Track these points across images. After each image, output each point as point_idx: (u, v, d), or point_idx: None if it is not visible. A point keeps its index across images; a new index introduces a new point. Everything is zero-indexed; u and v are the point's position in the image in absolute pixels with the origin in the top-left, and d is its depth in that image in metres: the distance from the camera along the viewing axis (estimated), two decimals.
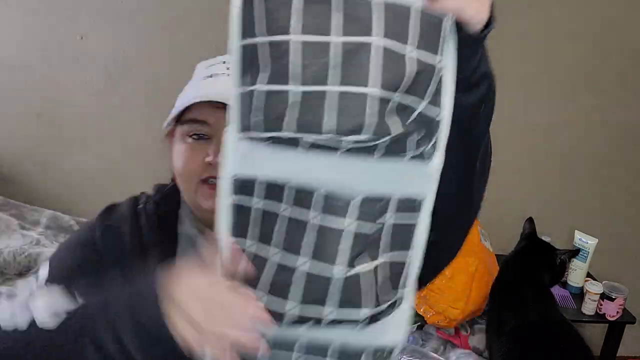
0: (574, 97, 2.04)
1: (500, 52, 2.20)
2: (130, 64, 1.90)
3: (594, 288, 1.75)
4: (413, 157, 0.54)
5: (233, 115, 0.53)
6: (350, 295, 0.54)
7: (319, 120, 0.49)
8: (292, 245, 0.54)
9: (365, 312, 0.54)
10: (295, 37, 0.48)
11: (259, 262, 0.55)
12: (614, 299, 1.72)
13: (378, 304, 0.55)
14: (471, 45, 0.56)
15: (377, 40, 0.48)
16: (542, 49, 1.97)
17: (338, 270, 0.53)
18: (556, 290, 1.86)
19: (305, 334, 0.57)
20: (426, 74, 0.51)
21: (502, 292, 1.51)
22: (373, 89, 0.48)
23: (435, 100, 0.53)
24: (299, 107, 0.49)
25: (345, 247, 0.53)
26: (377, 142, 0.51)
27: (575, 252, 1.69)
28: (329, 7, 0.48)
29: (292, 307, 0.54)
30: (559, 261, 1.58)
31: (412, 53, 0.50)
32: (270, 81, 0.50)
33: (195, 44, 1.88)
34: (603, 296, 1.74)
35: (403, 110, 0.51)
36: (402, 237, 0.57)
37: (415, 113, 0.52)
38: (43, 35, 1.85)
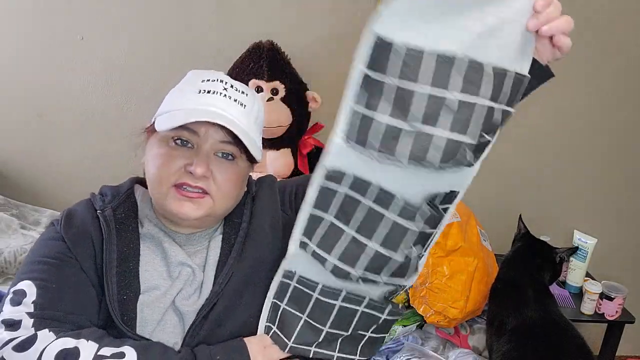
0: (573, 97, 2.04)
1: None
2: (130, 64, 1.90)
3: (593, 288, 1.75)
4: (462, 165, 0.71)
5: (343, 123, 0.67)
6: (400, 271, 0.76)
7: (424, 153, 0.65)
8: (367, 229, 0.72)
9: (405, 282, 0.79)
10: (422, 89, 0.62)
11: (334, 230, 0.74)
12: (613, 298, 1.73)
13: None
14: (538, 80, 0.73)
15: (481, 100, 0.64)
16: None
17: (398, 257, 0.74)
18: (555, 290, 1.87)
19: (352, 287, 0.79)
20: (504, 120, 0.69)
21: (503, 292, 1.51)
22: (469, 139, 0.65)
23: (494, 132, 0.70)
24: (412, 140, 0.65)
25: (408, 241, 0.73)
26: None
27: (574, 250, 1.70)
28: (452, 67, 0.62)
29: (357, 272, 0.75)
30: (558, 259, 1.59)
31: (500, 107, 0.66)
32: (392, 115, 0.64)
33: (196, 45, 1.89)
34: (602, 296, 1.75)
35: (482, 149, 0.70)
36: (436, 217, 0.74)
37: (489, 146, 0.71)
38: (43, 35, 1.85)
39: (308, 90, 1.78)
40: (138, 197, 0.89)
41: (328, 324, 0.82)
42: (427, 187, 0.71)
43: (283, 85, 1.69)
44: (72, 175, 1.98)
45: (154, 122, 0.82)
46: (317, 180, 0.72)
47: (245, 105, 0.81)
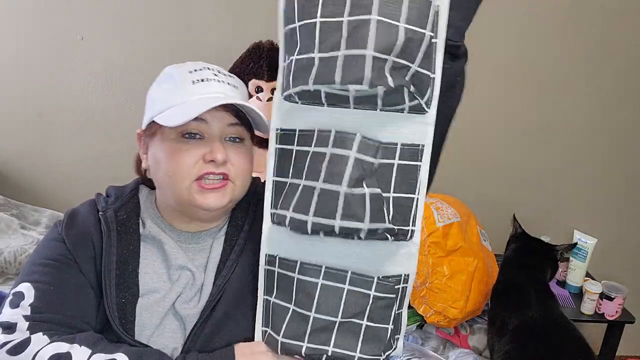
0: (573, 97, 2.04)
1: (502, 52, 2.21)
2: (131, 64, 1.90)
3: (593, 288, 1.75)
4: (411, 110, 0.70)
5: (278, 83, 0.74)
6: (354, 209, 0.69)
7: (332, 75, 0.66)
8: (312, 173, 0.71)
9: (366, 224, 0.70)
10: (319, 19, 0.67)
11: (292, 189, 0.74)
12: (613, 298, 1.73)
13: (378, 221, 0.70)
14: (465, 8, 0.70)
15: (374, 17, 0.64)
16: (543, 49, 1.97)
17: (344, 187, 0.69)
18: (555, 290, 1.87)
19: (324, 254, 0.75)
20: (416, 41, 0.66)
21: (505, 293, 1.51)
22: (369, 51, 0.64)
23: (428, 63, 0.69)
24: (319, 67, 0.67)
25: (349, 169, 0.69)
26: (375, 92, 0.66)
27: (573, 245, 1.70)
28: (343, 1, 0.66)
29: (311, 219, 0.71)
30: (559, 256, 1.59)
31: (402, 25, 0.65)
32: (301, 52, 0.69)
33: (196, 45, 1.89)
34: (602, 296, 1.75)
35: (398, 70, 0.66)
36: (408, 177, 0.72)
37: (411, 72, 0.67)
38: (43, 35, 1.85)
39: None
40: (142, 197, 0.89)
41: (313, 308, 0.75)
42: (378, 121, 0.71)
43: None
44: (72, 175, 1.98)
45: (150, 124, 0.82)
46: (271, 146, 0.75)
47: (237, 87, 0.83)
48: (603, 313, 1.75)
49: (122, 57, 1.89)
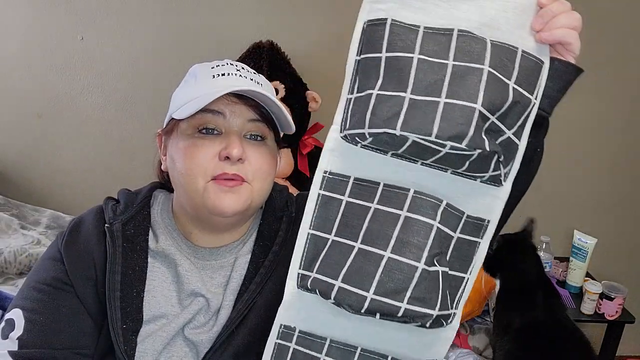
0: (573, 97, 2.04)
1: None
2: (131, 64, 1.90)
3: (593, 288, 1.75)
4: (488, 180, 0.60)
5: (338, 117, 0.61)
6: (426, 291, 0.56)
7: (428, 125, 0.54)
8: (376, 237, 0.58)
9: (435, 311, 0.57)
10: (417, 56, 0.56)
11: (337, 251, 0.60)
12: (613, 298, 1.73)
13: (445, 308, 0.58)
14: (563, 81, 0.64)
15: (487, 68, 0.55)
16: None
17: (421, 264, 0.57)
18: None
19: (367, 339, 0.62)
20: (522, 106, 0.58)
21: (510, 295, 1.50)
22: (477, 105, 0.54)
23: (520, 132, 0.60)
24: (412, 111, 0.55)
25: (430, 242, 0.57)
26: (470, 153, 0.55)
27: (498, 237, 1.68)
28: (449, 39, 0.56)
29: (370, 295, 0.56)
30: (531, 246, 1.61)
31: (511, 85, 0.57)
32: (385, 88, 0.57)
33: (196, 45, 1.89)
34: (602, 296, 1.75)
35: (492, 133, 0.57)
36: (464, 254, 0.61)
37: (504, 137, 0.58)
38: (43, 35, 1.85)
39: (308, 90, 1.78)
40: (158, 205, 0.82)
41: None
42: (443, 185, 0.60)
43: (283, 85, 1.69)
44: (72, 175, 1.98)
45: (169, 122, 0.77)
46: (313, 191, 0.63)
47: (261, 84, 0.76)
48: (603, 313, 1.75)
49: (122, 57, 1.89)
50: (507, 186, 0.61)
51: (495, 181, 0.60)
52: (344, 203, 0.62)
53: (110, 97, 1.92)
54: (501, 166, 0.58)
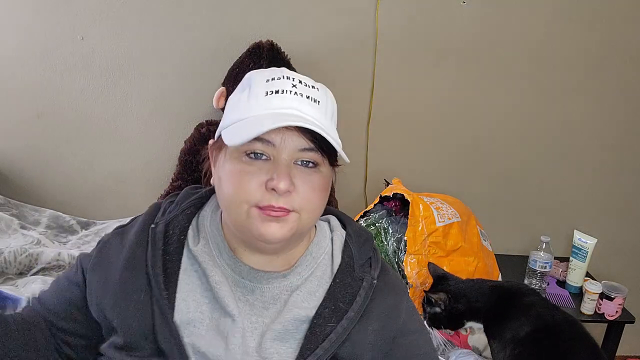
0: (573, 98, 2.04)
1: (502, 53, 2.20)
2: (131, 64, 1.90)
3: (593, 288, 1.75)
4: None
5: None
6: None
7: None
8: None
9: None
10: None
11: None
12: (613, 298, 1.73)
13: None
14: None
15: None
16: (543, 49, 1.97)
17: None
18: (556, 290, 1.87)
19: None
20: None
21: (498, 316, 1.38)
22: None
23: None
24: None
25: None
26: None
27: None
28: None
29: None
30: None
31: None
32: None
33: (196, 45, 1.89)
34: (602, 296, 1.75)
35: None
36: None
37: None
38: (43, 35, 1.85)
39: None
40: (210, 208, 0.82)
41: None
42: None
43: None
44: (72, 175, 1.98)
45: (219, 137, 0.73)
46: None
47: (319, 102, 0.71)
48: (603, 313, 1.75)
49: (122, 57, 1.89)
50: None
51: None
52: None
53: (110, 97, 1.92)
54: None
